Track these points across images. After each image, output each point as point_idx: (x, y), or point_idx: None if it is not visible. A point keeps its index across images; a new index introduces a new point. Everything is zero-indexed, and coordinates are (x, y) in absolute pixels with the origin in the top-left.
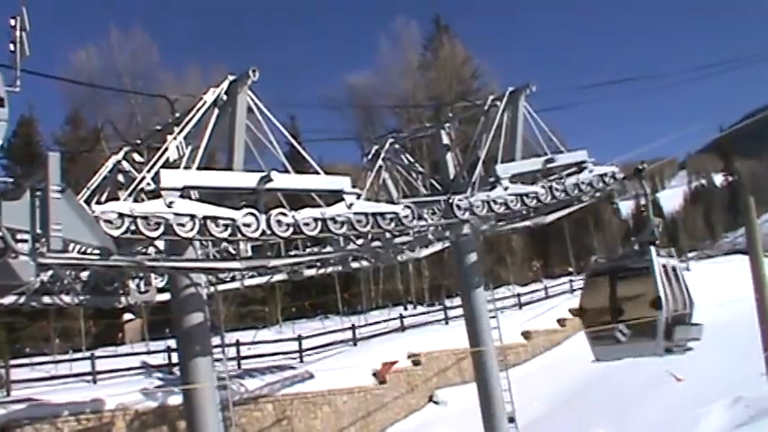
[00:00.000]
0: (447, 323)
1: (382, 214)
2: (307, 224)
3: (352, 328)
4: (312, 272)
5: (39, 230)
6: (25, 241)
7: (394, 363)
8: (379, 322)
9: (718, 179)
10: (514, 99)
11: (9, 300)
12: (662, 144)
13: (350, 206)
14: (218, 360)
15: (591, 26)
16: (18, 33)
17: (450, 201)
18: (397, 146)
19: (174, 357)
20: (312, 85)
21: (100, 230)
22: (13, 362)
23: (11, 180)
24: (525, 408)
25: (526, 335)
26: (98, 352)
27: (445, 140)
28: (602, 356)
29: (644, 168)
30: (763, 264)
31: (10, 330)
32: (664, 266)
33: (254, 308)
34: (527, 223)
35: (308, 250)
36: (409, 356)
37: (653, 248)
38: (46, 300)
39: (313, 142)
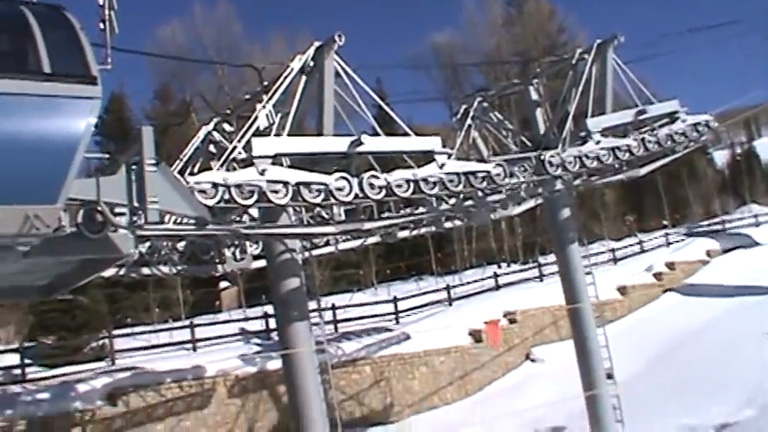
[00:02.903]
0: (542, 280)
1: (474, 173)
2: (399, 186)
3: (447, 288)
4: (405, 233)
5: (136, 204)
6: (123, 215)
7: (497, 321)
8: (473, 281)
9: None
10: (602, 51)
11: (110, 272)
12: (757, 88)
13: (441, 166)
14: (315, 324)
15: None
16: (107, 12)
17: (542, 157)
18: (485, 104)
19: (272, 323)
20: (397, 46)
21: (195, 201)
22: (115, 332)
23: (106, 156)
24: (623, 364)
25: (622, 290)
26: (196, 320)
27: (534, 96)
28: None
29: None
30: None
31: (111, 302)
32: None
33: (349, 271)
34: (620, 177)
35: (401, 212)
36: (505, 315)
37: None
38: (145, 271)
39: (400, 104)
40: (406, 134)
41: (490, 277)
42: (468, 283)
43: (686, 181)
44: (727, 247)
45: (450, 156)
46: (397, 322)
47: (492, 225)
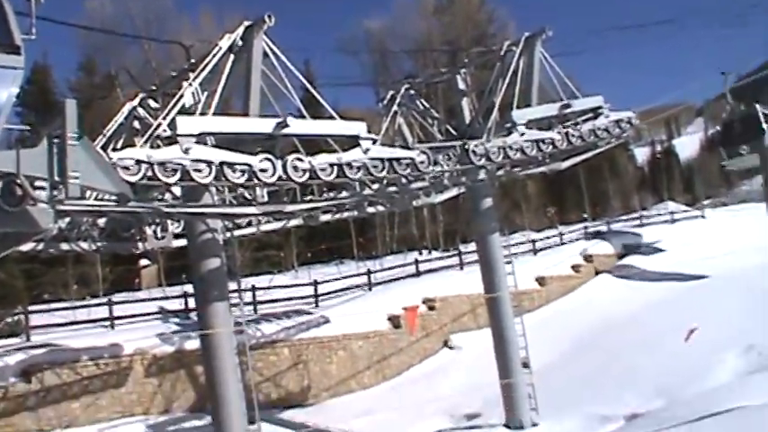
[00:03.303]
0: (462, 268)
1: (398, 159)
2: (323, 169)
3: (368, 273)
4: (328, 217)
5: (57, 178)
6: (43, 188)
7: (416, 307)
8: (394, 267)
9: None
10: (530, 44)
11: (27, 247)
12: (679, 89)
13: (366, 151)
14: (234, 305)
15: None
16: None
17: (466, 146)
18: (412, 91)
19: (191, 303)
20: (328, 30)
21: (117, 177)
22: (32, 308)
23: (28, 128)
24: (539, 353)
25: (541, 281)
26: (115, 297)
27: (461, 86)
28: None
29: None
30: None
31: (28, 277)
32: None
33: (270, 253)
34: (542, 169)
35: (323, 195)
36: (424, 301)
37: None
38: (64, 246)
39: (328, 87)
40: (331, 118)
41: (411, 263)
42: (389, 268)
43: (607, 176)
44: (621, 251)
45: (375, 141)
46: (317, 305)
47: (414, 212)
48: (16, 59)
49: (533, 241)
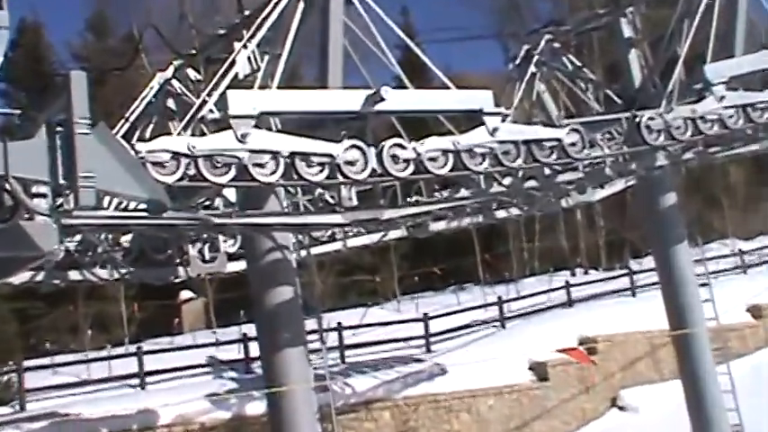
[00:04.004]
0: (634, 295)
1: (539, 142)
2: (433, 159)
3: (499, 302)
4: (441, 225)
5: (62, 180)
6: (43, 196)
7: (575, 349)
8: (535, 294)
9: None
10: None
11: (22, 278)
12: None
13: (493, 132)
14: (314, 351)
15: None
16: None
17: (637, 119)
18: (556, 44)
19: (253, 350)
20: None
21: (148, 177)
22: (27, 363)
23: (17, 112)
24: (758, 417)
25: (755, 311)
26: (147, 345)
27: (627, 33)
28: None
29: None
30: None
31: (23, 320)
32: None
33: (362, 278)
34: (754, 148)
35: (434, 196)
36: (581, 342)
37: None
38: (73, 276)
39: (435, 44)
40: (444, 87)
41: (560, 288)
42: (529, 296)
43: None
44: None
45: (505, 117)
46: (429, 350)
47: (563, 216)
48: None
49: (741, 253)
